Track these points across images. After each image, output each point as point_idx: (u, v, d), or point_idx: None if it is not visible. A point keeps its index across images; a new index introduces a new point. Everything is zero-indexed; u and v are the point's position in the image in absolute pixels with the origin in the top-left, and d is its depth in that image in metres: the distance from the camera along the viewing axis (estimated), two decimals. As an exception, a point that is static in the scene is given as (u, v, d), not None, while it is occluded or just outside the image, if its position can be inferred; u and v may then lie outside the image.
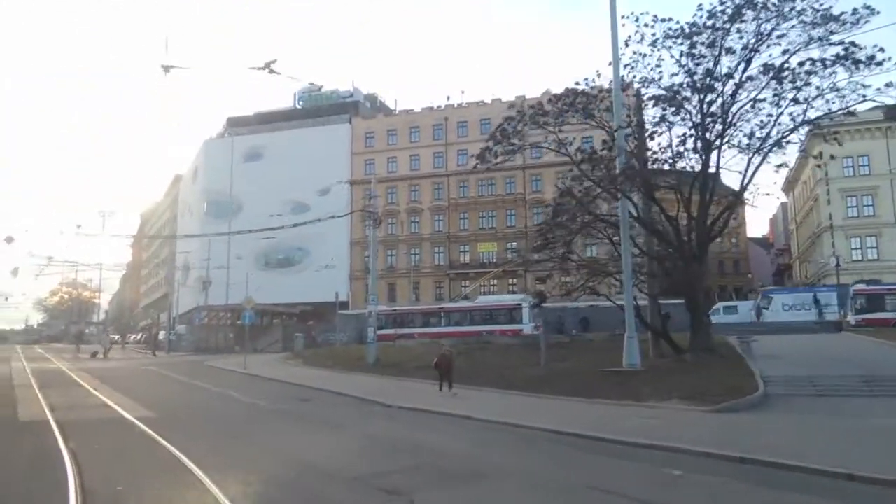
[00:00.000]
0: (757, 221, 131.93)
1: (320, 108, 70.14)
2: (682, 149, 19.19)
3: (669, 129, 19.37)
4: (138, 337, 75.73)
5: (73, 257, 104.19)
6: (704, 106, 19.56)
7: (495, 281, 61.21)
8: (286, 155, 66.41)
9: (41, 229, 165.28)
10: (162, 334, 53.11)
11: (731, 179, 61.98)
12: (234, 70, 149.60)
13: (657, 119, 19.21)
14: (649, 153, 20.24)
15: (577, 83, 20.60)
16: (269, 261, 67.51)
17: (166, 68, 13.01)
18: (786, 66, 17.75)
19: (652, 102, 19.19)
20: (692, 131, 19.39)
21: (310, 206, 64.21)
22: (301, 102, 72.02)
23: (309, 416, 15.35)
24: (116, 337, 67.12)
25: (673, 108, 18.96)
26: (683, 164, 19.58)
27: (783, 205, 73.62)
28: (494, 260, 62.43)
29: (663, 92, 19.01)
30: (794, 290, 50.15)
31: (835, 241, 51.65)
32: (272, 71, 12.89)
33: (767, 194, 78.85)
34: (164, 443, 10.62)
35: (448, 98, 68.90)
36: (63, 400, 17.16)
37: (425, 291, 63.47)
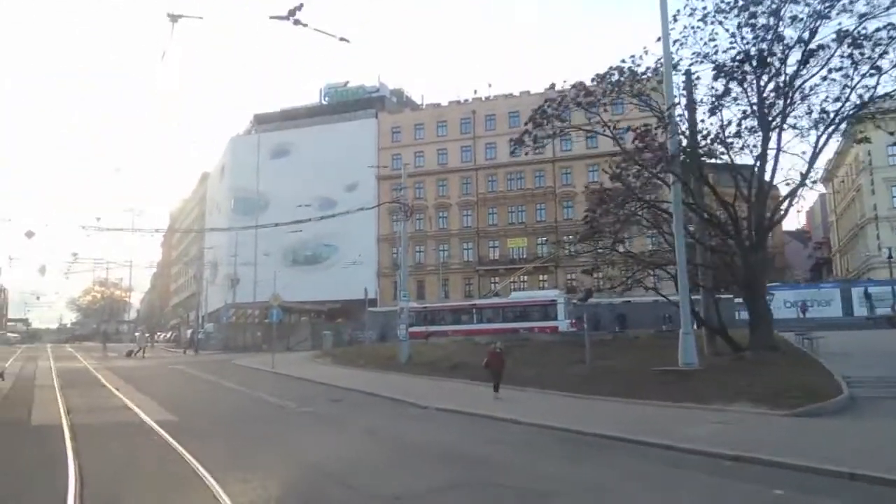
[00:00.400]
0: (793, 214, 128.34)
1: (346, 104, 69.14)
2: (739, 128, 17.60)
3: (726, 107, 17.80)
4: (168, 335, 75.50)
5: (104, 257, 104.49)
6: (763, 81, 18.02)
7: (526, 277, 59.80)
8: (312, 151, 65.58)
9: (71, 229, 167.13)
10: (190, 332, 52.42)
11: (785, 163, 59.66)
12: (254, 22, 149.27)
13: (720, 92, 17.59)
14: (701, 135, 18.64)
15: (624, 61, 19.04)
16: (296, 258, 66.75)
17: (173, 17, 11.76)
18: (862, 31, 16.10)
19: (714, 74, 17.56)
20: (751, 109, 17.82)
21: (336, 202, 63.27)
22: (327, 98, 71.10)
23: (340, 419, 14.14)
24: (159, 335, 66.99)
25: (736, 80, 17.39)
26: (740, 144, 17.96)
27: (822, 196, 71.05)
28: (524, 256, 61.02)
29: (725, 62, 17.42)
30: (797, 286, 48.47)
31: (879, 232, 49.35)
32: (297, 22, 11.59)
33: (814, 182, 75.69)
34: (182, 450, 9.49)
35: (475, 91, 67.64)
36: (82, 401, 16.19)
37: (454, 288, 62.21)
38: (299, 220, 37.28)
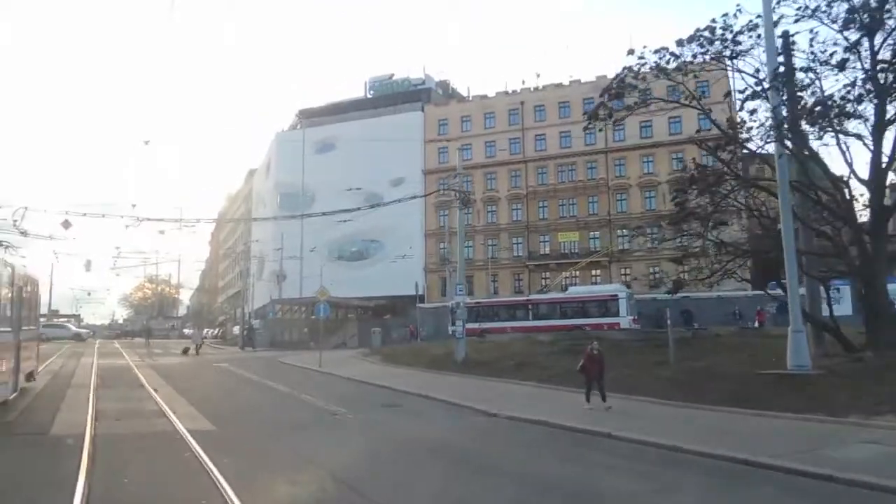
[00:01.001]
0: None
1: (392, 97, 67.48)
2: (855, 94, 15.04)
3: (840, 70, 15.26)
4: (215, 332, 75.04)
5: (153, 255, 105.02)
6: (876, 43, 15.46)
7: (577, 272, 57.40)
8: (358, 145, 64.01)
9: (119, 227, 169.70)
10: (236, 329, 51.37)
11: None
12: (299, 16, 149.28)
13: (845, 47, 15.02)
14: (805, 104, 16.12)
15: (714, 20, 16.60)
16: (342, 254, 65.37)
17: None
18: None
19: (843, 21, 14.96)
20: (864, 73, 15.27)
21: (383, 196, 61.68)
22: (372, 92, 69.52)
23: (399, 430, 12.18)
24: (207, 331, 66.35)
25: (862, 33, 14.87)
26: (854, 114, 15.38)
27: None
28: (576, 250, 58.54)
29: (843, 13, 14.88)
30: None
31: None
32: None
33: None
34: (216, 473, 7.64)
35: (523, 82, 65.33)
36: (115, 405, 14.58)
37: (503, 284, 60.06)
38: (348, 210, 35.47)
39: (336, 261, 64.02)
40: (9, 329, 12.15)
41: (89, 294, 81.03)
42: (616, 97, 17.41)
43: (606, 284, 43.61)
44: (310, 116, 68.78)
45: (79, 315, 79.13)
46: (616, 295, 35.99)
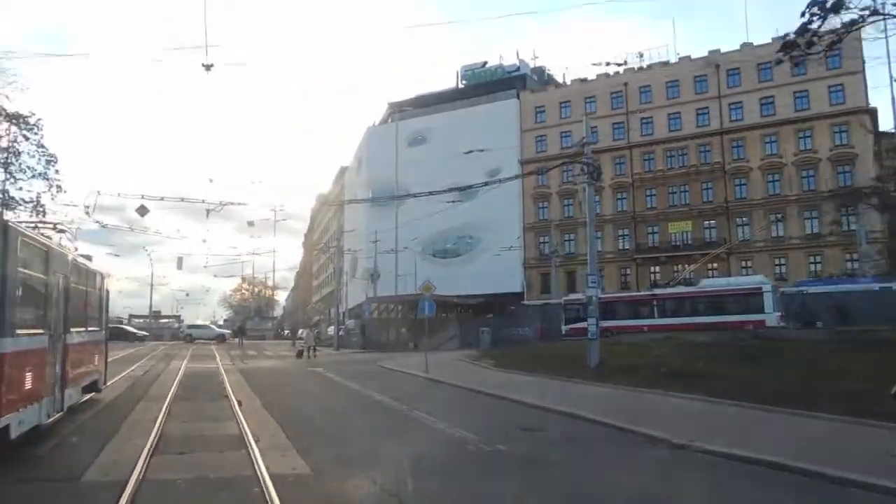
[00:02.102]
0: None
1: (485, 86, 63.70)
2: None
3: None
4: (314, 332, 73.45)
5: (249, 257, 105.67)
6: None
7: (691, 266, 51.99)
8: (451, 137, 60.52)
9: (201, 222, 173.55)
10: (331, 329, 48.95)
11: None
12: (387, 10, 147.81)
13: None
14: None
15: None
16: (436, 251, 62.22)
17: None
18: None
19: None
20: None
21: (478, 189, 58.15)
22: (464, 81, 65.97)
23: (567, 473, 8.35)
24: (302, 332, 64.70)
25: None
26: None
27: None
28: (689, 241, 53.11)
29: None
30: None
31: None
32: None
33: None
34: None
35: (625, 62, 60.07)
36: (186, 427, 11.38)
37: (609, 279, 55.12)
38: (442, 192, 31.74)
39: (430, 258, 60.98)
40: (41, 331, 9.03)
41: (187, 295, 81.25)
42: (833, 10, 12.62)
43: (742, 277, 38.29)
44: (400, 109, 65.91)
45: (179, 316, 79.48)
46: (760, 288, 30.85)
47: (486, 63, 65.49)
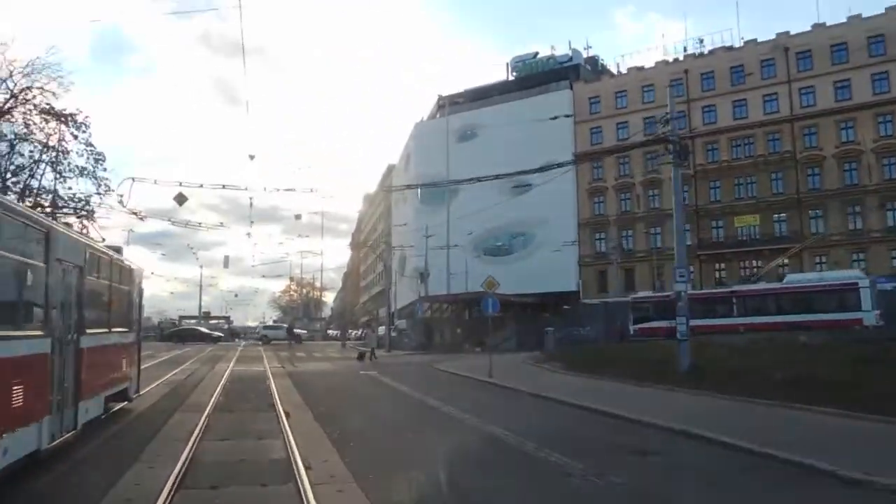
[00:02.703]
0: None
1: (536, 77, 61.13)
2: None
3: None
4: (359, 333, 71.97)
5: (297, 258, 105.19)
6: None
7: (758, 262, 48.76)
8: (502, 131, 58.26)
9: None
10: (381, 330, 47.16)
11: None
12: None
13: None
14: None
15: None
16: (487, 249, 59.91)
17: None
18: None
19: None
20: None
21: (530, 183, 55.72)
22: (515, 73, 63.54)
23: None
24: (349, 332, 63.11)
25: None
26: None
27: None
28: (756, 236, 49.76)
29: None
30: None
31: None
32: None
33: None
34: None
35: (685, 49, 56.98)
36: (223, 449, 9.43)
37: (670, 278, 51.91)
38: (494, 177, 29.47)
39: (481, 256, 58.74)
40: (38, 332, 7.16)
41: (236, 296, 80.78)
42: None
43: (834, 272, 34.99)
44: (449, 104, 63.80)
45: (229, 317, 78.99)
46: (856, 283, 27.77)
47: (537, 54, 63.04)
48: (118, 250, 12.49)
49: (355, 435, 10.80)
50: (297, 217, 48.24)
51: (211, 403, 13.90)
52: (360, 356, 30.01)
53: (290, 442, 9.63)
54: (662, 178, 54.16)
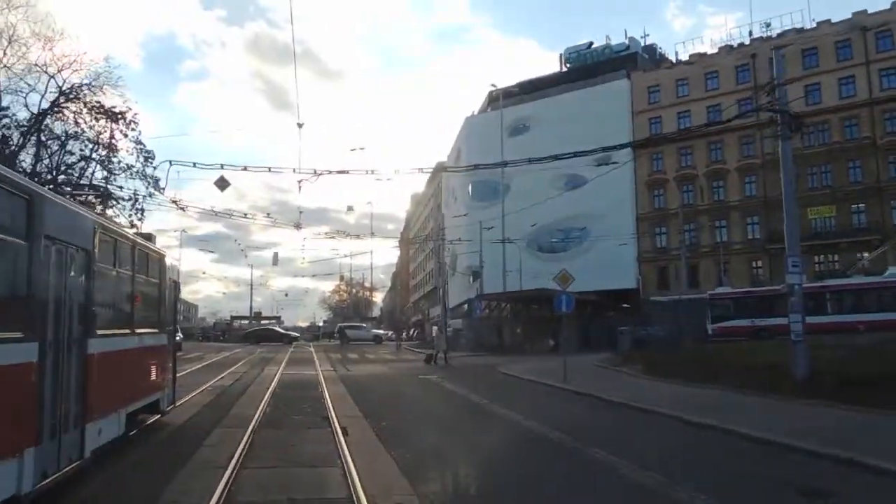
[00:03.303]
0: None
1: (591, 68, 58.25)
2: None
3: None
4: (411, 333, 70.26)
5: (347, 260, 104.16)
6: None
7: (835, 256, 45.19)
8: (555, 124, 55.59)
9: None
10: (435, 329, 45.19)
11: None
12: None
13: None
14: None
15: None
16: (541, 245, 57.29)
17: None
18: None
19: None
20: None
21: (586, 178, 52.96)
22: (568, 64, 60.78)
23: None
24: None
25: None
26: None
27: None
28: (832, 228, 46.05)
29: None
30: None
31: None
32: None
33: None
34: None
35: (750, 33, 53.44)
36: (268, 480, 7.36)
37: (737, 273, 48.61)
38: (563, 155, 26.72)
39: (535, 253, 56.21)
40: (17, 334, 5.18)
41: (286, 295, 79.86)
42: None
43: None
44: (503, 96, 61.28)
45: (279, 317, 78.05)
46: None
47: (591, 44, 60.18)
48: (149, 237, 10.61)
49: (431, 460, 8.66)
50: (349, 209, 46.59)
51: (257, 416, 11.94)
52: (429, 359, 27.66)
53: (350, 471, 7.54)
54: (728, 169, 50.97)
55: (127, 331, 8.26)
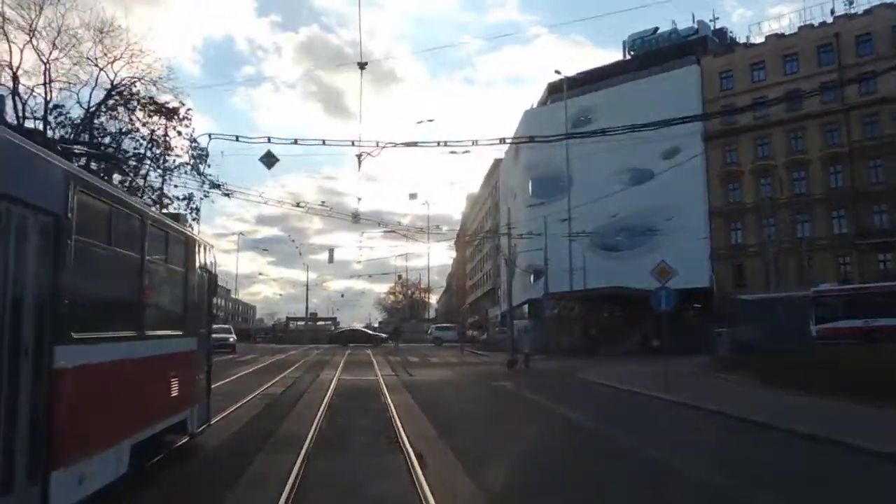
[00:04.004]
0: None
1: (657, 54, 54.66)
2: None
3: None
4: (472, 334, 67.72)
5: (402, 262, 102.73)
6: None
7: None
8: (620, 115, 51.63)
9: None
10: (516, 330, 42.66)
11: None
12: None
13: None
14: None
15: None
16: (605, 243, 53.95)
17: None
18: None
19: None
20: None
21: (653, 171, 49.60)
22: (632, 51, 57.35)
23: None
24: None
25: None
26: None
27: None
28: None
29: None
30: None
31: None
32: None
33: None
34: None
35: (832, 11, 49.08)
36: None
37: (823, 270, 44.17)
38: (640, 125, 24.32)
39: (598, 251, 52.96)
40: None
41: (342, 296, 78.54)
42: None
43: None
44: (561, 89, 58.21)
45: (335, 318, 76.64)
46: None
47: (657, 29, 56.61)
48: (177, 217, 8.40)
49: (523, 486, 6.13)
50: (412, 196, 43.69)
51: (310, 436, 9.61)
52: (512, 363, 24.56)
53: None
54: (810, 159, 46.85)
55: (131, 333, 5.98)
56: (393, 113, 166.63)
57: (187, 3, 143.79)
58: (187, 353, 7.84)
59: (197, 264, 8.35)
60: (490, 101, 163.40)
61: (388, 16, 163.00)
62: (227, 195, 17.51)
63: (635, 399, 15.11)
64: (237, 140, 13.34)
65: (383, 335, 58.82)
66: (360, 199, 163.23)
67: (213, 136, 14.33)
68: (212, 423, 9.38)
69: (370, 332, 58.48)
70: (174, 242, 7.49)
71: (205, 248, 8.80)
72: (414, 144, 15.43)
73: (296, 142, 13.83)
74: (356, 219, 24.34)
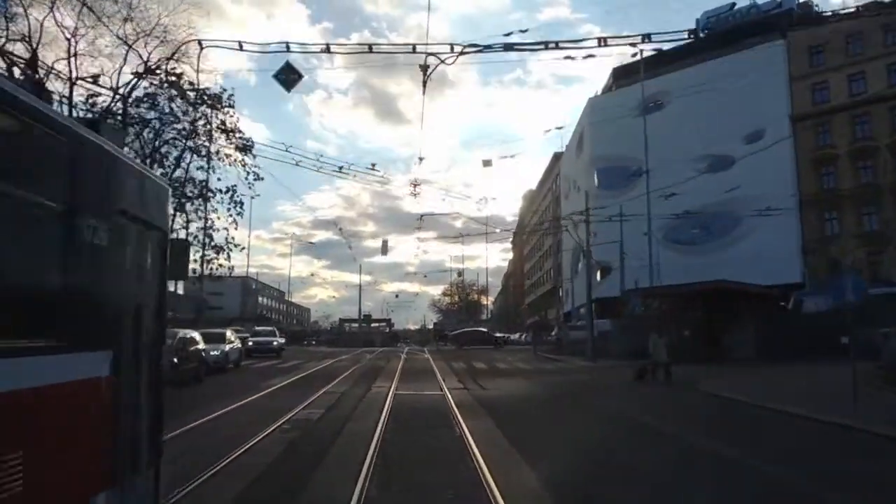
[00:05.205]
0: None
1: (734, 31, 48.92)
2: None
3: None
4: (527, 335, 63.04)
5: (457, 264, 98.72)
6: None
7: None
8: (694, 98, 46.86)
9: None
10: (575, 333, 37.96)
11: None
12: None
13: None
14: None
15: None
16: (679, 237, 48.56)
17: None
18: None
19: None
20: None
21: (734, 157, 44.01)
22: (706, 30, 51.70)
23: None
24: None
25: None
26: None
27: None
28: None
29: None
30: None
31: None
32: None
33: None
34: None
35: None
36: None
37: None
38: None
39: (671, 245, 47.62)
40: None
41: (397, 296, 74.93)
42: None
43: None
44: (628, 74, 52.87)
45: (389, 320, 72.98)
46: None
47: (734, 5, 50.89)
48: (93, 124, 4.20)
49: None
50: (486, 163, 38.78)
51: (357, 493, 5.26)
52: (641, 374, 19.17)
53: None
54: (917, 142, 40.61)
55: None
56: (445, 114, 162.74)
57: (243, 12, 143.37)
58: (78, 385, 3.58)
59: (121, 209, 4.12)
60: (541, 99, 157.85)
61: (438, 18, 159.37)
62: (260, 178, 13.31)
63: (803, 424, 10.31)
64: (240, 49, 9.23)
65: (507, 336, 54.74)
66: (421, 158, 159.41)
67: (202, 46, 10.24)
68: (185, 488, 5.12)
69: (487, 332, 54.07)
70: (47, 153, 3.29)
71: (145, 185, 4.59)
72: (512, 47, 10.90)
73: (327, 48, 9.53)
74: (415, 190, 20.18)
